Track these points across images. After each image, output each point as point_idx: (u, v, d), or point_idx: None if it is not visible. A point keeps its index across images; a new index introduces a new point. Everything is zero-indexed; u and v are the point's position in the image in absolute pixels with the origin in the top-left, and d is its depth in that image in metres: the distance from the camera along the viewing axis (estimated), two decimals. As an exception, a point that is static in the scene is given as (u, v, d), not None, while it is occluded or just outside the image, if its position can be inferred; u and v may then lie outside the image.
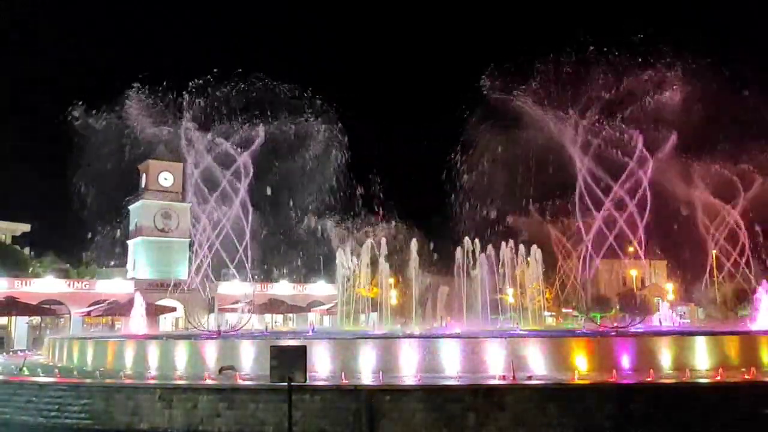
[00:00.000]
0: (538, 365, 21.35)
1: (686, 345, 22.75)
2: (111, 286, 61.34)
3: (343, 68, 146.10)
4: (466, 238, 41.53)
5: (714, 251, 57.35)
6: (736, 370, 20.62)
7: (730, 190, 58.01)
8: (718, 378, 19.16)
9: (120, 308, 55.17)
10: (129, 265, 71.27)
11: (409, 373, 21.01)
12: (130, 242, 71.51)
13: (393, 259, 46.57)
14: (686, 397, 17.97)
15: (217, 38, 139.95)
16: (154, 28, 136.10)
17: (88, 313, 55.90)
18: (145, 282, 63.40)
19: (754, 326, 31.85)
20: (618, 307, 52.77)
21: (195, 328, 32.79)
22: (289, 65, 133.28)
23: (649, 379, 19.09)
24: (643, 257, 53.94)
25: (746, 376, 19.26)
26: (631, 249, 61.56)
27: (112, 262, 74.94)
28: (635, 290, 64.30)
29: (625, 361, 21.61)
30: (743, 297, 51.91)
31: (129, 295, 59.08)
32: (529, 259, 44.97)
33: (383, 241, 43.32)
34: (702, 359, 21.99)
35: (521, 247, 42.80)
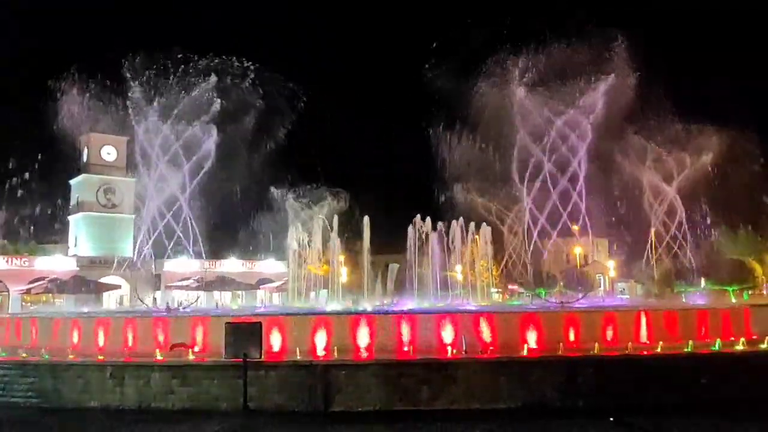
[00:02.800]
0: (488, 340, 21.87)
1: (628, 319, 23.71)
2: (51, 263, 59.51)
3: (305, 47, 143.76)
4: (417, 216, 41.90)
5: (653, 230, 59.58)
6: (674, 343, 21.64)
7: (671, 169, 60.08)
8: (658, 350, 20.07)
9: (62, 285, 53.70)
10: (70, 242, 69.21)
11: (362, 349, 21.25)
12: (71, 218, 69.33)
13: (344, 236, 46.58)
14: (628, 368, 18.82)
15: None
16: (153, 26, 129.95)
17: (28, 291, 54.18)
18: (87, 259, 61.78)
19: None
20: (562, 283, 54.26)
21: (145, 305, 32.19)
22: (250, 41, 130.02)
23: (593, 352, 19.85)
24: (589, 234, 55.61)
25: (684, 349, 20.23)
26: (575, 227, 63.30)
27: (54, 239, 72.69)
28: (579, 267, 66.25)
29: (571, 335, 22.40)
30: (680, 275, 54.21)
31: (71, 272, 57.53)
32: (477, 236, 45.66)
33: (335, 218, 43.24)
34: (643, 333, 22.98)
35: (471, 225, 43.44)
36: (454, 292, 45.96)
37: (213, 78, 50.60)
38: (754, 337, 23.12)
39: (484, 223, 44.50)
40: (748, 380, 18.12)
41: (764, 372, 18.56)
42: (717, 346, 20.63)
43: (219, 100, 48.09)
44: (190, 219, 59.55)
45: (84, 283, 53.95)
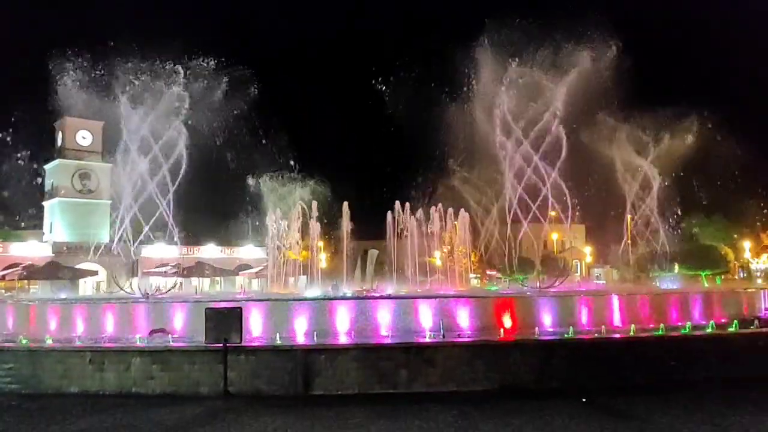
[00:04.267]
0: (466, 324, 22.30)
1: (602, 304, 24.29)
2: (26, 249, 58.96)
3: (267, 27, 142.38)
4: (397, 202, 42.16)
5: (628, 216, 60.34)
6: (646, 326, 22.26)
7: (646, 155, 60.61)
8: (630, 333, 20.61)
9: (37, 272, 53.24)
10: (45, 228, 68.44)
11: (342, 334, 21.53)
12: (46, 204, 68.53)
13: (324, 222, 46.69)
14: (602, 351, 19.31)
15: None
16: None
17: (3, 277, 53.60)
18: (63, 245, 61.19)
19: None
20: (539, 269, 54.91)
21: (124, 291, 32.12)
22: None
23: (568, 336, 20.33)
24: (568, 221, 56.08)
25: (655, 332, 20.80)
26: (553, 213, 63.73)
27: (28, 224, 71.77)
28: (556, 253, 67.09)
29: (547, 319, 22.91)
30: (654, 260, 55.16)
31: (46, 258, 57.00)
32: (456, 222, 46.06)
33: (314, 204, 43.32)
34: (616, 317, 23.58)
35: (450, 210, 43.82)
36: (433, 277, 46.42)
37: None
38: (723, 320, 23.81)
39: (462, 209, 44.89)
40: (716, 362, 18.70)
41: (732, 354, 19.13)
42: (687, 329, 21.22)
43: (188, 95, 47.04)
44: (169, 205, 58.77)
45: (60, 269, 53.49)
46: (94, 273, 57.78)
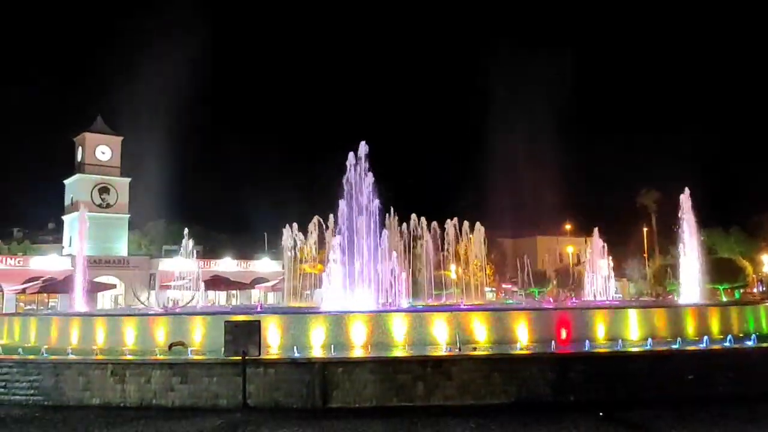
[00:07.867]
0: (482, 338, 22.36)
1: (619, 317, 24.24)
2: (46, 263, 59.79)
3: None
4: (413, 215, 42.21)
5: (645, 229, 60.12)
6: (663, 340, 22.18)
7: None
8: (648, 348, 20.55)
9: (57, 285, 53.94)
10: (65, 242, 69.46)
11: (359, 347, 21.68)
12: (65, 218, 69.59)
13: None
14: (619, 365, 19.27)
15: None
16: None
17: (23, 291, 54.37)
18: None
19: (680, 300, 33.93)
20: (555, 282, 54.82)
21: (142, 304, 32.54)
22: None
23: (585, 349, 20.31)
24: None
25: (673, 347, 20.73)
26: (568, 227, 63.63)
27: (49, 238, 72.87)
28: (571, 266, 66.82)
29: (563, 333, 22.88)
30: (671, 273, 54.82)
31: (66, 271, 57.67)
32: (472, 236, 46.08)
33: (331, 217, 43.45)
34: (633, 331, 23.52)
35: (465, 223, 43.84)
36: (448, 290, 46.42)
37: None
38: (741, 335, 23.69)
39: (478, 222, 44.94)
40: (735, 376, 18.61)
41: (749, 368, 19.04)
42: (705, 343, 21.12)
43: None
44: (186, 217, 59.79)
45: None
46: (113, 286, 58.53)
